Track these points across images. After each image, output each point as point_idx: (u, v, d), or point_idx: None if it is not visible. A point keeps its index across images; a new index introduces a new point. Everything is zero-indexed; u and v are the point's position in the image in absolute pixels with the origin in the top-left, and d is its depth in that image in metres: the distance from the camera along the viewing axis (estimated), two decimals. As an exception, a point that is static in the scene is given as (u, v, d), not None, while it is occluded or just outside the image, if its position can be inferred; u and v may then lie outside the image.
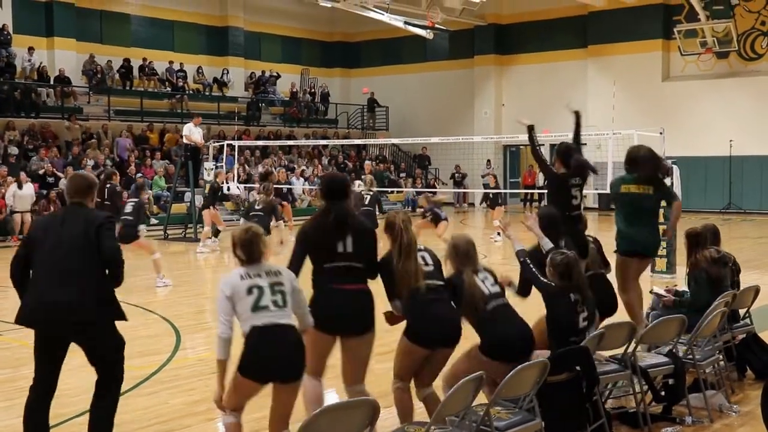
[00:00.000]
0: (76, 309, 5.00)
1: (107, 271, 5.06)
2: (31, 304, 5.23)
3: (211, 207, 18.18)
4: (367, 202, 14.87)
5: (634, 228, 7.11)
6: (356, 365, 5.23)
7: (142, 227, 12.98)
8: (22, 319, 5.28)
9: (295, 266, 5.13)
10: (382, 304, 5.33)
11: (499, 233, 18.61)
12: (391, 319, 5.38)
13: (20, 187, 19.70)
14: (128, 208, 12.90)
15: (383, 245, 5.35)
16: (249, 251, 4.75)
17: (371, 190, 15.27)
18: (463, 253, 5.37)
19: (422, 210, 18.67)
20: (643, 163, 7.09)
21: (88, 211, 5.28)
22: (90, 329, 5.07)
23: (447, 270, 5.45)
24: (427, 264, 5.29)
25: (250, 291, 4.61)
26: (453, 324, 5.21)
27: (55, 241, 5.09)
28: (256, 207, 14.12)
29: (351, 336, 5.16)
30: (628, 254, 7.15)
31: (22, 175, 19.96)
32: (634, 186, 7.12)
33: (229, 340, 4.62)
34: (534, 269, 5.66)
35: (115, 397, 5.30)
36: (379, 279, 5.32)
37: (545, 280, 5.57)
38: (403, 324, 5.31)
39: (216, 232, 18.30)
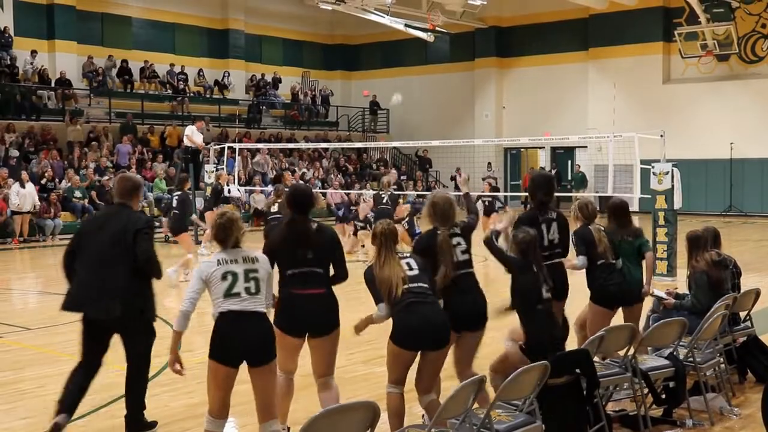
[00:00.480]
0: (106, 302, 5.55)
1: (142, 269, 5.62)
2: (72, 292, 5.72)
3: (214, 209, 18.17)
4: (383, 201, 15.75)
5: None
6: (322, 361, 5.41)
7: (194, 217, 13.46)
8: (64, 306, 5.76)
9: None
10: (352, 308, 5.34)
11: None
12: (357, 327, 5.49)
13: (23, 186, 19.70)
14: (174, 202, 13.38)
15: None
16: (224, 236, 4.90)
17: (389, 191, 16.14)
18: (441, 211, 5.57)
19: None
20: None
21: (131, 213, 5.81)
22: (120, 321, 5.63)
23: (424, 227, 5.72)
24: (411, 269, 5.36)
25: (224, 277, 4.77)
26: (437, 326, 5.24)
27: (97, 238, 5.65)
28: (272, 211, 12.70)
29: (315, 336, 5.34)
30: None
31: (24, 174, 19.95)
32: None
33: (188, 315, 4.83)
34: (497, 245, 5.90)
35: (145, 379, 5.93)
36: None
37: (511, 256, 5.80)
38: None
39: None
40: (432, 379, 5.38)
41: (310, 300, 5.27)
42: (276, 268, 5.32)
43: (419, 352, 5.27)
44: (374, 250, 5.44)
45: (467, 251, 5.60)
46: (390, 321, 5.40)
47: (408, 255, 5.48)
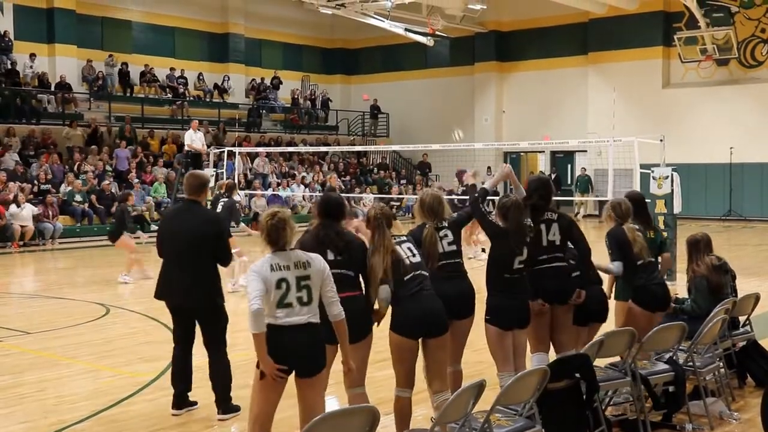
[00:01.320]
0: (187, 294, 6.27)
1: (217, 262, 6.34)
2: (159, 283, 6.47)
3: None
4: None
5: None
6: (357, 368, 5.20)
7: (243, 225, 13.61)
8: (156, 295, 6.50)
9: None
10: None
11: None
12: (376, 317, 5.43)
13: (19, 206, 19.63)
14: (219, 208, 13.30)
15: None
16: (275, 238, 4.70)
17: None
18: (428, 207, 5.74)
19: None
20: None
21: (204, 210, 6.52)
22: (201, 308, 6.35)
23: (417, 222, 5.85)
24: (414, 255, 5.43)
25: (279, 285, 4.58)
26: (435, 313, 5.31)
27: (174, 232, 6.38)
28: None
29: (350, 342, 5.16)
30: None
31: (21, 196, 19.85)
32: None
33: (261, 313, 4.48)
34: (483, 210, 6.08)
35: (227, 361, 6.49)
36: None
37: (492, 221, 5.97)
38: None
39: None
40: (441, 374, 5.41)
41: (344, 304, 5.04)
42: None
43: (420, 344, 5.32)
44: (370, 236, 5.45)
45: (454, 242, 5.73)
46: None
47: (406, 239, 5.56)
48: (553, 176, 30.27)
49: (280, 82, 33.25)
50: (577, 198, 28.13)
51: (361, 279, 5.33)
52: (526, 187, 6.44)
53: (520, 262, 5.76)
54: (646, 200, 7.38)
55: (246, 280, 4.68)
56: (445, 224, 5.78)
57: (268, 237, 4.70)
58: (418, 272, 5.35)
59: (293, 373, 4.69)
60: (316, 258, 4.80)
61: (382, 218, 5.40)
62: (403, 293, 5.28)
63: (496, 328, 5.70)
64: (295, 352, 4.61)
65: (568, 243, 6.24)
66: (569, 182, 30.56)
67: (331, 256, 5.15)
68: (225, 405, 6.41)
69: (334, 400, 6.43)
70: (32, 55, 26.04)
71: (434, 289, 5.41)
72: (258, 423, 4.75)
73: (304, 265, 4.69)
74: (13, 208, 19.52)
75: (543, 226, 6.14)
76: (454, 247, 5.73)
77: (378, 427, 4.02)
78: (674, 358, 6.21)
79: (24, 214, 19.62)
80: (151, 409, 6.68)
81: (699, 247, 7.20)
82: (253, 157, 27.70)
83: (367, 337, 5.26)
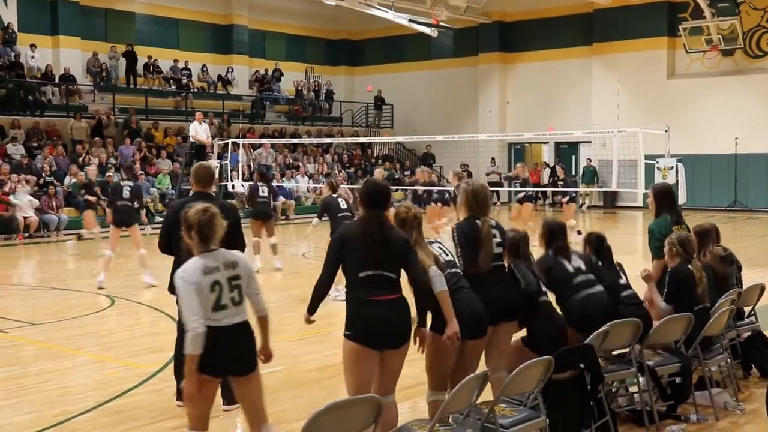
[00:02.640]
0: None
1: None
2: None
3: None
4: None
5: None
6: (390, 377, 4.99)
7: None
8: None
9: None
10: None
11: (579, 231, 17.69)
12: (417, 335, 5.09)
13: (15, 198, 19.64)
14: (264, 191, 14.10)
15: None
16: (207, 234, 4.47)
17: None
18: (483, 200, 5.44)
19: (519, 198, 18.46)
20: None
21: (216, 200, 6.27)
22: None
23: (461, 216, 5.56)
24: (447, 254, 5.29)
25: (213, 288, 4.41)
26: (479, 314, 5.14)
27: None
28: (342, 207, 11.52)
29: (390, 348, 4.91)
30: None
31: (18, 186, 19.85)
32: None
33: (203, 335, 4.33)
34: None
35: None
36: None
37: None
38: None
39: None
40: (466, 374, 5.10)
41: (385, 306, 4.86)
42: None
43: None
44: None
45: (501, 245, 5.49)
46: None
47: (434, 240, 5.39)
48: (557, 167, 30.24)
49: (282, 74, 33.21)
50: (582, 189, 28.07)
51: (400, 281, 4.99)
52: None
53: (498, 245, 5.53)
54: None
55: (180, 291, 4.43)
56: (494, 222, 5.49)
57: (200, 234, 4.46)
58: (453, 270, 5.19)
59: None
60: (241, 257, 4.67)
61: (413, 219, 5.20)
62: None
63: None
64: (236, 351, 4.51)
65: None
66: (573, 173, 30.49)
67: (372, 256, 4.86)
68: (231, 395, 6.31)
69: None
70: (32, 46, 26.03)
71: (484, 293, 5.21)
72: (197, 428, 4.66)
73: (233, 264, 4.53)
74: (13, 198, 19.53)
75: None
76: (500, 250, 5.49)
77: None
78: (680, 349, 6.19)
79: (23, 204, 19.63)
80: (156, 400, 6.69)
81: (707, 237, 7.16)
82: (256, 147, 27.69)
83: (407, 344, 4.93)
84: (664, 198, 7.08)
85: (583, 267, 5.99)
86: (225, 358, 4.45)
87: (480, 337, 5.18)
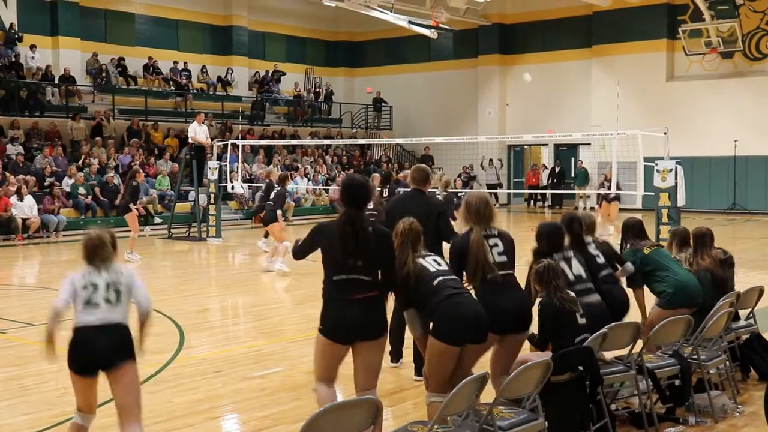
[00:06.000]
0: None
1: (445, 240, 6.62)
2: None
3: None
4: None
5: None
6: (367, 371, 5.08)
7: (279, 212, 14.46)
8: None
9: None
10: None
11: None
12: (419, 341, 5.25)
13: (21, 199, 19.63)
14: (272, 195, 14.60)
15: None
16: (91, 256, 4.86)
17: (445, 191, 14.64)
18: (475, 211, 5.40)
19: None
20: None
21: (429, 197, 7.14)
22: None
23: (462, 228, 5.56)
24: (440, 264, 5.24)
25: (85, 287, 4.77)
26: (480, 317, 5.05)
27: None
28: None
29: (362, 340, 5.01)
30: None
31: (24, 188, 19.87)
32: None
33: (60, 312, 4.78)
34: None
35: None
36: None
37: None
38: None
39: None
40: (465, 376, 5.11)
41: (357, 304, 4.94)
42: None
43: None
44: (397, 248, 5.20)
45: (505, 253, 5.37)
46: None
47: (430, 253, 5.33)
48: (557, 169, 30.26)
49: (283, 74, 33.20)
50: (577, 191, 28.08)
51: (378, 278, 5.03)
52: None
53: (500, 253, 5.46)
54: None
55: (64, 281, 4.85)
56: (496, 232, 5.43)
57: (85, 254, 4.87)
58: (447, 277, 5.13)
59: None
60: (127, 272, 4.95)
61: (410, 235, 5.21)
62: (437, 299, 5.01)
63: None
64: (103, 349, 4.72)
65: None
66: (572, 175, 30.53)
67: (350, 261, 4.90)
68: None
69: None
70: (32, 47, 26.03)
71: (487, 303, 5.15)
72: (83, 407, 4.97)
73: (118, 273, 4.88)
74: (14, 200, 19.53)
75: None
76: (505, 258, 5.36)
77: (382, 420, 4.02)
78: (679, 351, 6.20)
79: (26, 207, 19.64)
80: (155, 401, 6.68)
81: (705, 240, 7.18)
82: (255, 150, 27.64)
83: (382, 338, 5.06)
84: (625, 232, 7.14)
85: (583, 275, 5.96)
86: (89, 353, 4.76)
87: (480, 342, 5.12)
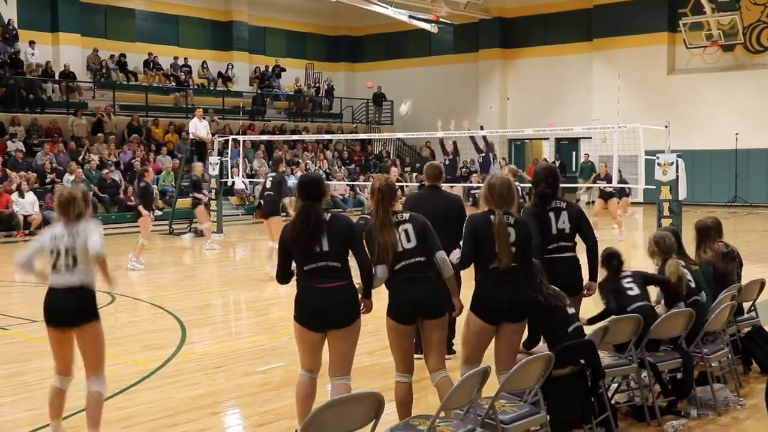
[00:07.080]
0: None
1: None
2: None
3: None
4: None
5: None
6: (338, 358, 5.20)
7: (287, 200, 13.23)
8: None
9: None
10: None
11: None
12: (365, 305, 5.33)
13: (22, 196, 19.64)
14: (268, 184, 12.94)
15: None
16: (64, 211, 5.31)
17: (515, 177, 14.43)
18: (498, 194, 5.27)
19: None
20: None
21: (446, 193, 7.38)
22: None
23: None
24: (409, 240, 5.27)
25: (51, 252, 5.28)
26: (430, 298, 5.22)
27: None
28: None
29: (335, 329, 5.15)
30: None
31: (24, 185, 19.86)
32: None
33: (19, 266, 5.44)
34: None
35: None
36: None
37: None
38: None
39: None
40: (439, 352, 5.32)
41: (326, 293, 5.08)
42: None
43: (421, 325, 5.25)
44: (372, 208, 5.35)
45: (515, 244, 5.22)
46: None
47: (407, 219, 5.35)
48: (557, 163, 30.21)
49: (283, 70, 33.17)
50: (581, 184, 28.05)
51: (348, 266, 5.16)
52: (533, 176, 6.18)
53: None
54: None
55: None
56: (512, 220, 5.27)
57: (59, 210, 5.34)
58: (412, 260, 5.22)
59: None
60: (86, 229, 5.31)
61: (387, 190, 5.31)
62: (395, 280, 5.23)
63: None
64: (66, 308, 5.25)
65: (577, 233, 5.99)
66: (573, 169, 30.49)
67: (317, 248, 5.07)
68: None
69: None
70: (32, 43, 26.00)
71: (492, 293, 5.19)
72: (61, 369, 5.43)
73: (77, 234, 5.27)
74: (15, 197, 19.55)
75: (552, 214, 5.90)
76: (513, 249, 5.23)
77: (383, 414, 4.02)
78: (681, 344, 6.19)
79: (27, 204, 19.64)
80: (156, 397, 6.70)
81: (709, 233, 7.14)
82: (256, 146, 27.62)
83: (354, 324, 5.15)
84: None
85: (567, 230, 5.96)
86: (53, 311, 5.30)
87: (435, 317, 5.22)
